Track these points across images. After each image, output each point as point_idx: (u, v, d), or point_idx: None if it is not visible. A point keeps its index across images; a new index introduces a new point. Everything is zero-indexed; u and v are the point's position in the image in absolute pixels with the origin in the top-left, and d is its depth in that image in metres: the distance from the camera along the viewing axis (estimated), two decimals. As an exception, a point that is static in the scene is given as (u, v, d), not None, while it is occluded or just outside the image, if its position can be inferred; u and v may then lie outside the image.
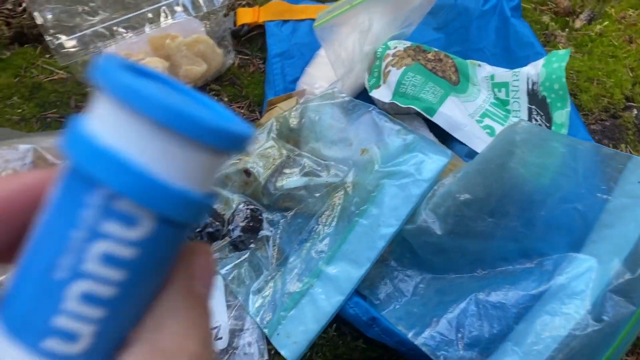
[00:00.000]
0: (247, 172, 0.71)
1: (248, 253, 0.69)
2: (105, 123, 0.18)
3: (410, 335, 0.58)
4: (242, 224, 0.69)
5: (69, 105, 0.83)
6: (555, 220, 0.56)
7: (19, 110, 0.82)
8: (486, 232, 0.57)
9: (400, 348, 0.59)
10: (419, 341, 0.57)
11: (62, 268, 0.18)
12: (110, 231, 0.18)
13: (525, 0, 0.99)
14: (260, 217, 0.71)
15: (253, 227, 0.70)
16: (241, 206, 0.70)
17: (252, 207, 0.70)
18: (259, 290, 0.66)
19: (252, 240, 0.69)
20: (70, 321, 0.18)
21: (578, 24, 0.96)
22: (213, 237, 0.69)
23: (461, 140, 0.74)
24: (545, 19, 0.96)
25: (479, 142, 0.73)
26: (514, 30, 0.84)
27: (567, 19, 0.97)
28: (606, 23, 0.95)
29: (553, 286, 0.56)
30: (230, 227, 0.70)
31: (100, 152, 0.18)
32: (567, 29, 0.96)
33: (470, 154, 0.73)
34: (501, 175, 0.55)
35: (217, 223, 0.69)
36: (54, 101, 0.84)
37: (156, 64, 0.82)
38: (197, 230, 0.68)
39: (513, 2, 0.87)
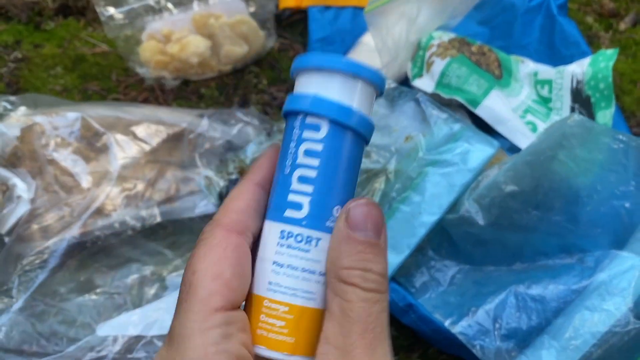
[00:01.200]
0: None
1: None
2: (310, 85, 0.31)
3: (447, 323, 0.58)
4: None
5: (110, 79, 0.84)
6: (600, 217, 0.56)
7: (62, 81, 0.83)
8: (529, 225, 0.57)
9: (435, 336, 0.59)
10: (455, 329, 0.57)
11: (288, 166, 0.31)
12: (307, 136, 0.30)
13: (569, 1, 0.98)
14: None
15: None
16: None
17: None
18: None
19: None
20: (296, 196, 0.30)
21: (622, 26, 0.95)
22: None
23: (504, 134, 0.73)
24: (589, 19, 0.95)
25: (522, 137, 0.73)
26: (560, 29, 0.84)
27: (611, 20, 0.96)
28: (651, 27, 0.93)
29: (594, 282, 0.56)
30: None
31: (300, 95, 0.31)
32: (611, 31, 0.94)
33: (512, 149, 0.73)
34: (550, 168, 0.55)
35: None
36: (95, 74, 0.84)
37: (198, 43, 0.82)
38: None
39: (560, 0, 0.86)
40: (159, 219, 0.66)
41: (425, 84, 0.76)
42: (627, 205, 0.56)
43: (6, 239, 0.62)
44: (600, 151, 0.54)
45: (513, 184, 0.56)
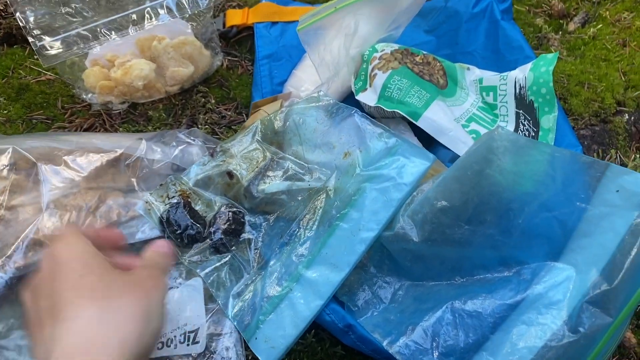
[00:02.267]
0: (230, 175, 0.71)
1: (229, 256, 0.68)
2: None
3: (385, 343, 0.57)
4: (224, 227, 0.68)
5: (55, 107, 0.83)
6: (533, 228, 0.55)
7: (5, 112, 0.82)
8: (463, 240, 0.57)
9: (375, 356, 0.59)
10: (393, 350, 0.56)
11: None
12: None
13: (519, 3, 0.98)
14: (242, 220, 0.70)
15: (235, 229, 0.69)
16: (223, 209, 0.70)
17: (235, 209, 0.70)
18: (239, 294, 0.66)
19: (233, 243, 0.69)
20: None
21: (572, 26, 0.94)
22: (194, 239, 0.68)
23: (446, 145, 0.73)
24: (539, 21, 0.95)
25: (464, 147, 0.72)
26: (504, 34, 0.83)
27: (561, 21, 0.96)
28: (600, 26, 0.93)
29: (530, 295, 0.55)
30: (212, 229, 0.69)
31: None
32: (560, 32, 0.94)
33: (455, 159, 0.72)
34: (478, 183, 0.54)
35: (198, 225, 0.68)
36: (40, 102, 0.84)
37: (142, 66, 0.82)
38: (178, 232, 0.67)
39: (504, 4, 0.85)
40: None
41: (368, 97, 0.76)
42: (558, 216, 0.55)
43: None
44: (527, 163, 0.54)
45: (443, 199, 0.56)
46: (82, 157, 0.67)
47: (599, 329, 0.51)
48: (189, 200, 0.70)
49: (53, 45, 0.72)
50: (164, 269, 0.55)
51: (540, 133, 0.74)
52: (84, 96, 0.83)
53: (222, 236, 0.68)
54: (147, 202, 0.69)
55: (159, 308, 0.47)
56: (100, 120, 0.83)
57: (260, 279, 0.66)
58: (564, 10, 0.96)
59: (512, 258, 0.58)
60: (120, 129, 0.81)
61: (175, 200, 0.69)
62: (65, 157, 0.66)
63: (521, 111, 0.76)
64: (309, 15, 0.70)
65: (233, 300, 0.66)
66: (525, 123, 0.76)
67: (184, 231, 0.68)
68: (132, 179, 0.69)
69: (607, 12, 0.95)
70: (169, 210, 0.68)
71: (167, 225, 0.68)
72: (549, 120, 0.74)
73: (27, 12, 0.70)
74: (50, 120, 0.82)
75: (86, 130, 0.81)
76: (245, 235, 0.70)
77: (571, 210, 0.55)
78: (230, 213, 0.69)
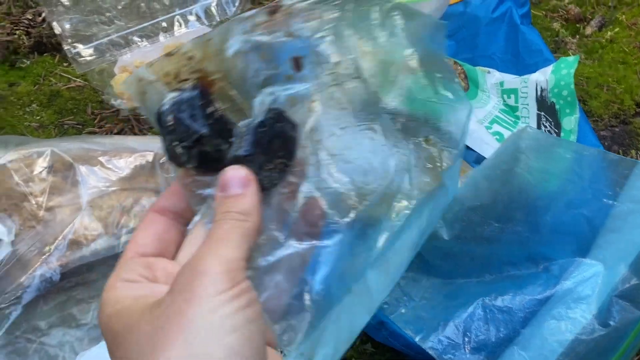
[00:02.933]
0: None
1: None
2: None
3: (417, 339, 0.59)
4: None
5: (85, 112, 0.86)
6: (561, 225, 0.57)
7: (38, 117, 0.84)
8: (493, 237, 0.58)
9: (407, 351, 0.60)
10: (426, 345, 0.58)
11: None
12: None
13: (536, 8, 1.00)
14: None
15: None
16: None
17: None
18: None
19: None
20: None
21: (589, 30, 0.96)
22: (208, 159, 0.35)
23: (470, 146, 0.74)
24: (556, 25, 0.97)
25: (488, 148, 0.74)
26: (523, 38, 0.85)
27: (578, 25, 0.97)
28: (617, 30, 0.95)
29: (559, 291, 0.57)
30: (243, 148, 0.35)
31: None
32: (577, 36, 0.96)
33: (479, 159, 0.74)
34: (507, 181, 0.56)
35: (221, 136, 0.35)
36: (71, 108, 0.86)
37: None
38: (184, 143, 0.34)
39: (523, 9, 0.87)
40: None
41: (392, 100, 0.78)
42: (586, 213, 0.56)
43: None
44: (555, 162, 0.55)
45: (473, 198, 0.57)
46: (117, 158, 0.69)
47: (629, 322, 0.52)
48: (212, 89, 0.36)
49: (86, 53, 0.74)
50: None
51: (561, 134, 0.75)
52: (113, 102, 0.85)
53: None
54: (140, 79, 0.35)
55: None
56: (129, 125, 0.85)
57: None
58: (580, 14, 0.98)
59: (540, 254, 0.59)
60: (149, 133, 0.83)
61: (190, 85, 0.35)
62: (101, 158, 0.68)
63: (542, 113, 0.78)
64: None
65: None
66: (546, 125, 0.77)
67: (195, 143, 0.34)
68: (166, 178, 0.71)
69: (624, 16, 0.97)
70: (175, 101, 0.34)
71: (165, 127, 0.35)
72: (570, 121, 0.75)
73: (63, 21, 0.73)
74: (80, 125, 0.84)
75: (116, 135, 0.83)
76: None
77: (598, 207, 0.57)
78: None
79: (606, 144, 0.82)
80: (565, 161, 0.55)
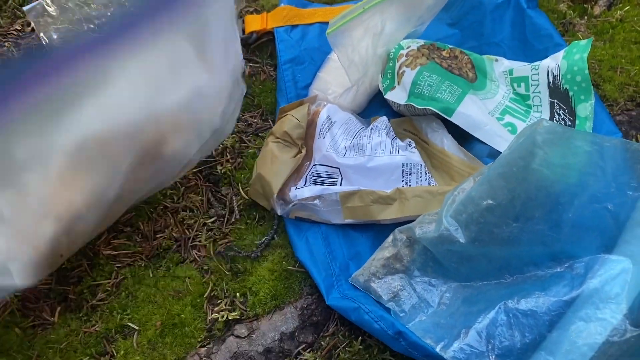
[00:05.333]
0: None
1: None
2: None
3: (438, 348, 0.56)
4: None
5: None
6: (584, 221, 0.54)
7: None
8: (512, 238, 0.55)
9: (428, 361, 0.57)
10: (448, 354, 0.55)
11: None
12: None
13: (541, -11, 0.96)
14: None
15: None
16: None
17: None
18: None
19: None
20: None
21: (597, 10, 0.92)
22: None
23: (482, 139, 0.71)
24: (562, 7, 0.93)
25: (501, 140, 0.71)
26: (531, 22, 0.81)
27: (585, 5, 0.93)
28: (627, 8, 0.91)
29: (586, 290, 0.53)
30: None
31: None
32: (585, 16, 0.92)
33: (492, 153, 0.71)
34: (524, 178, 0.53)
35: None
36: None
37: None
38: None
39: (528, -8, 0.84)
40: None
41: (397, 95, 0.75)
42: (610, 207, 0.53)
43: None
44: (575, 155, 0.52)
45: (489, 197, 0.54)
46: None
47: (663, 322, 0.49)
48: None
49: (78, 64, 0.72)
50: None
51: (577, 122, 0.72)
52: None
53: None
54: None
55: None
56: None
57: None
58: (588, -7, 0.94)
59: (563, 253, 0.56)
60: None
61: None
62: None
63: (555, 100, 0.74)
64: (337, 18, 0.69)
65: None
66: (560, 112, 0.74)
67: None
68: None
69: (633, -7, 0.93)
70: None
71: None
72: (585, 108, 0.72)
73: (51, 32, 0.70)
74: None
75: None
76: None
77: (623, 201, 0.53)
78: None
79: (623, 129, 0.78)
80: (585, 154, 0.52)
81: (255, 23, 0.90)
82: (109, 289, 0.68)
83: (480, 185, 0.55)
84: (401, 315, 0.61)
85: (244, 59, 0.88)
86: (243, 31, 0.91)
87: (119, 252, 0.71)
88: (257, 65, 0.91)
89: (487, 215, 0.55)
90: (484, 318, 0.56)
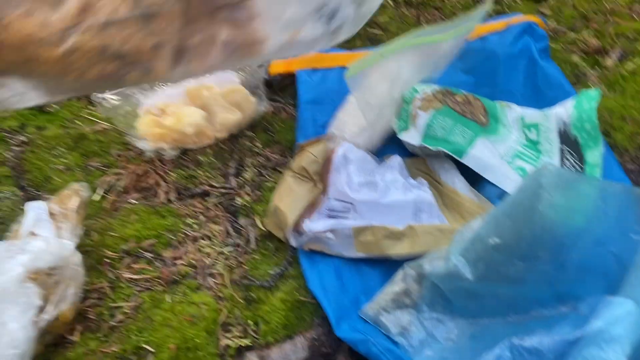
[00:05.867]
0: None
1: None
2: None
3: (443, 382, 0.57)
4: None
5: (110, 154, 0.87)
6: (588, 263, 0.55)
7: (64, 160, 0.86)
8: (518, 277, 0.57)
9: (433, 395, 0.59)
10: (452, 389, 0.56)
11: None
12: None
13: (554, 41, 1.00)
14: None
15: None
16: None
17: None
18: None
19: None
20: None
21: (609, 62, 0.96)
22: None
23: (493, 181, 0.74)
24: (575, 58, 0.97)
25: (511, 183, 0.73)
26: (543, 72, 0.85)
27: (597, 57, 0.97)
28: (638, 61, 0.94)
29: (590, 331, 0.55)
30: None
31: None
32: (597, 68, 0.95)
33: (502, 196, 0.73)
34: (530, 219, 0.55)
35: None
36: (96, 150, 0.88)
37: (193, 113, 0.86)
38: None
39: (541, 44, 0.88)
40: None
41: (412, 136, 0.78)
42: (613, 249, 0.55)
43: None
44: (579, 199, 0.54)
45: (496, 236, 0.56)
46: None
47: (665, 364, 0.50)
48: None
49: (112, 97, 0.77)
50: None
51: (586, 168, 0.74)
52: (137, 144, 0.87)
53: None
54: None
55: None
56: (153, 165, 0.86)
57: None
58: (600, 46, 0.97)
59: (568, 293, 0.57)
60: (174, 174, 0.85)
61: None
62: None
63: (565, 147, 0.77)
64: (357, 62, 0.73)
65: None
66: (569, 159, 0.76)
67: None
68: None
69: (644, 47, 0.96)
70: None
71: None
72: (594, 155, 0.74)
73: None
74: (106, 167, 0.86)
75: (140, 176, 0.85)
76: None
77: (627, 244, 0.55)
78: None
79: (633, 177, 0.80)
80: (590, 198, 0.54)
81: (280, 66, 0.95)
82: (127, 311, 0.70)
83: (487, 224, 0.57)
84: (409, 349, 0.62)
85: (268, 98, 0.92)
86: (268, 73, 0.96)
87: (139, 276, 0.74)
88: (279, 104, 0.95)
89: (494, 253, 0.57)
90: (489, 354, 0.57)
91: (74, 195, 0.70)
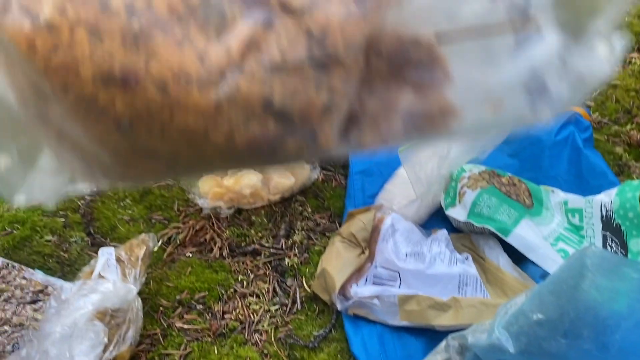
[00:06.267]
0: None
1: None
2: None
3: None
4: None
5: (172, 209, 0.94)
6: (631, 345, 0.57)
7: (130, 211, 0.93)
8: (560, 353, 0.58)
9: None
10: None
11: None
12: None
13: (598, 132, 1.04)
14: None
15: None
16: None
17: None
18: None
19: None
20: None
21: (652, 155, 0.98)
22: None
23: (535, 262, 0.76)
24: (619, 150, 1.00)
25: (553, 264, 0.75)
26: (587, 160, 0.89)
27: (641, 150, 1.00)
28: (682, 156, 0.97)
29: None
30: None
31: None
32: (641, 160, 0.98)
33: (545, 276, 0.75)
34: (574, 297, 0.57)
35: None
36: (160, 204, 0.94)
37: (251, 176, 0.92)
38: None
39: (585, 134, 0.92)
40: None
41: (458, 213, 0.82)
42: (656, 334, 0.56)
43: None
44: (623, 281, 0.56)
45: (539, 311, 0.58)
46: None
47: None
48: None
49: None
50: None
51: (629, 255, 0.76)
52: (197, 200, 0.93)
53: None
54: None
55: None
56: (210, 222, 0.92)
57: None
58: (643, 139, 1.01)
59: (610, 375, 0.58)
60: (228, 231, 0.90)
61: None
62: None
63: (608, 233, 0.79)
64: (408, 138, 0.79)
65: None
66: (612, 245, 0.78)
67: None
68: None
69: (687, 143, 0.99)
70: None
71: None
72: (637, 243, 0.76)
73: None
74: (167, 220, 0.92)
75: (197, 231, 0.90)
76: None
77: (670, 330, 0.56)
78: None
79: (676, 268, 0.81)
80: (633, 280, 0.56)
81: (334, 137, 1.02)
82: (177, 359, 0.74)
83: (531, 300, 0.59)
84: (448, 420, 0.63)
85: (320, 167, 0.98)
86: (322, 143, 1.02)
87: (189, 326, 0.78)
88: (331, 172, 1.01)
89: (537, 328, 0.59)
90: None
91: (141, 245, 0.75)
